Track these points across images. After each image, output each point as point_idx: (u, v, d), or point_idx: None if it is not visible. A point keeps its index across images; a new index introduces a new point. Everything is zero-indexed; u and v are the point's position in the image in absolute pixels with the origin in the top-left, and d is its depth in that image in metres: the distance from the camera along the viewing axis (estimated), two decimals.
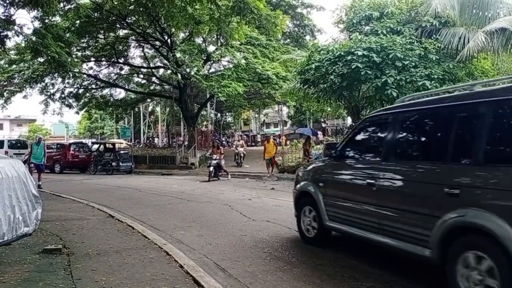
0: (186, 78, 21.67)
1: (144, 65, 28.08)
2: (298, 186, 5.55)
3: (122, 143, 31.39)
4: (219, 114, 43.11)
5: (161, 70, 28.94)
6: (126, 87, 29.36)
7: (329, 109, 28.19)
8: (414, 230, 3.62)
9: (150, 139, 40.08)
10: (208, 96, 26.18)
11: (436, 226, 3.35)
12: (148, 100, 35.61)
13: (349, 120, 33.66)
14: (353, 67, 11.80)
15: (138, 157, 24.41)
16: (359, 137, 4.86)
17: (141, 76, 29.36)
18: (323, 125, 42.14)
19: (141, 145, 34.49)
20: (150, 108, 42.65)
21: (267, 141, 17.04)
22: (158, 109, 40.87)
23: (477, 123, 3.29)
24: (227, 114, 45.02)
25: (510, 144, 3.05)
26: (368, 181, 4.16)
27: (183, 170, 20.95)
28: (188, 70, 20.87)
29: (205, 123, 34.91)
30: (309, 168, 5.58)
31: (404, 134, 4.11)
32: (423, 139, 4.03)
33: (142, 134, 39.30)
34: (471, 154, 3.24)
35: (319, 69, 12.87)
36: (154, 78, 28.72)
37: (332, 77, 12.39)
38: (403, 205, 3.77)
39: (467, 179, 3.19)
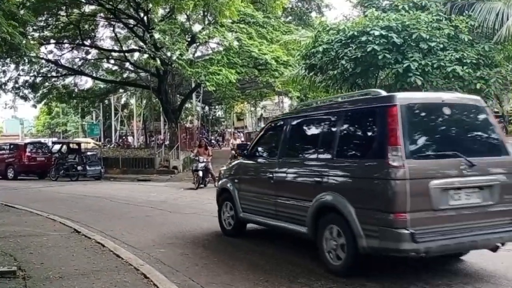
0: (166, 64, 21.64)
1: (116, 48, 28.02)
2: (219, 183, 7.72)
3: (89, 143, 31.32)
4: (207, 108, 43.08)
5: (136, 54, 28.94)
6: (94, 75, 29.30)
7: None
8: (297, 213, 5.68)
9: (124, 137, 39.98)
10: (193, 85, 26.17)
11: (309, 208, 5.42)
12: (121, 90, 35.51)
13: None
14: (368, 49, 11.80)
15: (109, 159, 24.40)
16: (264, 138, 7.12)
17: (112, 61, 29.34)
18: None
19: (113, 145, 34.40)
20: (123, 101, 42.55)
21: None
22: (132, 101, 40.80)
23: (332, 127, 5.57)
24: (216, 107, 45.01)
25: (351, 144, 5.37)
26: (269, 175, 6.29)
27: (163, 175, 20.98)
28: (168, 54, 20.84)
29: (190, 118, 34.92)
30: (228, 166, 7.78)
31: (291, 136, 6.33)
32: (303, 140, 6.35)
33: (113, 132, 39.25)
34: (330, 151, 5.43)
35: (328, 53, 12.87)
36: (127, 64, 28.68)
37: (343, 62, 12.39)
38: (290, 193, 5.94)
39: (326, 169, 5.36)
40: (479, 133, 5.39)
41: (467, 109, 5.38)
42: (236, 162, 7.55)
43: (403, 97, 5.02)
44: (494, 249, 5.20)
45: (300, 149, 6.27)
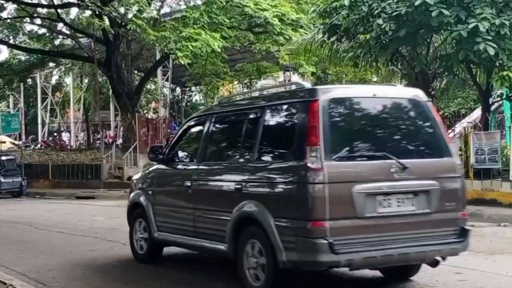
0: (118, 26, 21.56)
1: (44, 1, 27.89)
2: (130, 196, 8.65)
3: (3, 143, 31.15)
4: (178, 90, 43.00)
5: (74, 11, 28.80)
6: (11, 41, 29.16)
7: (375, 79, 28.18)
8: (216, 227, 6.60)
9: (56, 135, 39.91)
10: (158, 57, 26.06)
11: (229, 221, 6.30)
12: (51, 64, 35.45)
13: None
14: (417, 3, 11.80)
15: (34, 167, 24.37)
16: (183, 140, 8.10)
17: (38, 22, 29.18)
18: None
19: (39, 146, 34.27)
20: (54, 80, 42.48)
21: None
22: (68, 80, 40.68)
23: (253, 126, 6.54)
24: (192, 89, 44.90)
25: (272, 145, 6.38)
26: (186, 184, 7.20)
27: (114, 190, 20.88)
28: (121, 10, 20.76)
29: (153, 105, 34.84)
30: (142, 174, 8.84)
31: (212, 136, 7.37)
32: (224, 141, 7.48)
33: (40, 127, 39.15)
34: (251, 153, 6.41)
35: (357, 8, 12.86)
36: (61, 26, 28.53)
37: (379, 21, 12.38)
38: (209, 205, 6.89)
39: (247, 174, 6.35)
40: (417, 132, 6.40)
41: (404, 104, 6.38)
42: (150, 169, 8.63)
43: (326, 91, 6.03)
44: (434, 263, 6.18)
45: (221, 151, 7.45)
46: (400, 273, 6.78)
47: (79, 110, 40.69)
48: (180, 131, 8.44)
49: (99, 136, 33.19)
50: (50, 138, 38.44)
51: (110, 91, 29.97)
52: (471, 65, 13.51)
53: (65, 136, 38.41)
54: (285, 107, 6.37)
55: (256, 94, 7.73)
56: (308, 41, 16.48)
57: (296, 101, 6.10)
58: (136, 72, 29.02)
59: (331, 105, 5.85)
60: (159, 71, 29.72)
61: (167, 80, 33.00)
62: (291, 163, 5.81)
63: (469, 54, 12.05)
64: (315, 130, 5.64)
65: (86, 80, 39.17)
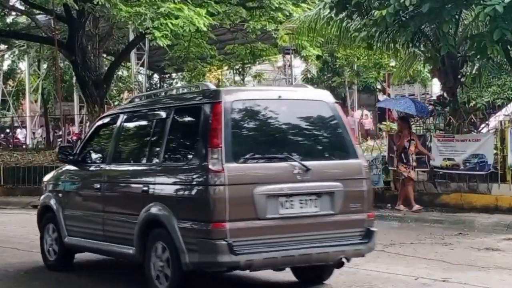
0: (83, 0, 21.51)
1: None
2: (41, 198, 10.03)
3: None
4: (156, 77, 43.05)
5: None
6: None
7: (393, 64, 28.20)
8: (125, 231, 7.64)
9: (8, 131, 39.87)
10: (132, 38, 26.07)
11: (136, 223, 7.38)
12: (2, 47, 35.47)
13: (435, 86, 33.77)
14: None
15: None
16: (94, 139, 9.46)
17: None
18: (382, 97, 42.32)
19: None
20: (6, 66, 42.44)
21: None
22: (23, 66, 40.71)
23: (160, 126, 7.76)
24: (173, 76, 44.97)
25: (178, 146, 7.70)
26: (96, 186, 8.44)
27: None
28: None
29: (126, 95, 34.78)
30: (53, 175, 10.01)
31: (123, 136, 8.65)
32: (134, 141, 8.71)
33: None
34: (158, 155, 7.60)
35: None
36: (14, 0, 28.46)
37: None
38: (118, 208, 8.04)
39: (154, 176, 7.48)
40: (323, 134, 7.70)
41: (310, 106, 7.67)
42: (61, 170, 9.86)
43: (230, 93, 7.39)
44: (338, 264, 7.44)
45: (130, 152, 8.72)
46: (313, 276, 8.05)
47: (36, 101, 40.75)
48: (91, 130, 9.76)
49: (60, 132, 33.23)
50: (2, 136, 38.42)
51: (74, 78, 29.91)
52: (508, 47, 13.50)
53: (20, 133, 38.41)
54: (190, 108, 7.57)
55: (171, 93, 9.34)
56: (312, 18, 16.49)
57: (201, 103, 7.24)
58: (105, 56, 29.01)
59: (234, 107, 7.02)
60: (132, 55, 29.74)
61: (142, 65, 33.04)
62: (194, 165, 6.94)
63: (506, 33, 12.05)
64: (217, 132, 6.77)
65: (44, 66, 39.10)
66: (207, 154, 6.68)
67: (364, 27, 14.20)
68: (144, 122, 8.53)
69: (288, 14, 20.21)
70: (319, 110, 7.60)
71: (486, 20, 12.69)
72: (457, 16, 14.08)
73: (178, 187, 7.17)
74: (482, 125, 17.71)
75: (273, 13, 20.96)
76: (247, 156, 6.92)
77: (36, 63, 39.15)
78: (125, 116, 8.66)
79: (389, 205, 15.66)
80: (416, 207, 14.72)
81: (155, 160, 7.66)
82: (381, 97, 42.80)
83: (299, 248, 6.86)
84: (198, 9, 19.84)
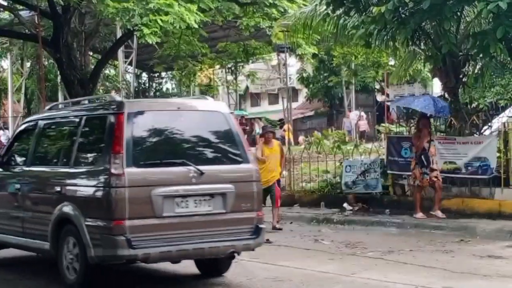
0: None
1: None
2: None
3: None
4: (145, 76, 43.02)
5: None
6: None
7: (392, 63, 28.16)
8: (42, 228, 8.91)
9: None
10: (119, 35, 26.03)
11: (50, 221, 8.65)
12: None
13: (436, 86, 33.72)
14: None
15: None
16: (18, 143, 10.82)
17: None
18: (381, 97, 42.37)
19: None
20: None
21: (265, 138, 16.57)
22: (5, 64, 40.72)
23: (71, 133, 9.34)
24: (163, 75, 45.00)
25: (85, 152, 9.10)
26: (16, 187, 9.80)
27: None
28: None
29: (113, 94, 34.79)
30: None
31: (40, 141, 10.02)
32: (49, 146, 10.05)
33: None
34: (69, 159, 8.94)
35: None
36: None
37: None
38: (35, 206, 9.38)
39: (65, 178, 8.91)
40: (218, 141, 8.96)
41: (207, 116, 9.04)
42: None
43: (132, 104, 8.91)
44: (229, 257, 8.81)
45: (46, 156, 10.08)
46: (213, 269, 9.33)
47: (19, 101, 40.61)
48: (15, 134, 11.43)
49: None
50: None
51: (59, 77, 29.81)
52: None
53: (3, 135, 38.24)
54: (98, 117, 8.86)
55: (85, 102, 10.47)
56: (308, 14, 16.47)
57: (107, 113, 8.54)
58: (91, 54, 28.93)
59: (136, 118, 8.28)
60: (120, 53, 29.77)
61: (130, 64, 33.13)
62: (100, 168, 8.14)
63: (510, 31, 12.05)
64: (119, 140, 8.00)
65: (28, 64, 39.07)
66: (110, 159, 7.91)
67: (362, 24, 14.24)
68: (59, 128, 10.01)
69: (283, 10, 20.21)
70: (215, 120, 8.94)
71: (489, 17, 12.65)
72: (459, 13, 14.03)
73: (86, 188, 8.44)
74: (485, 127, 17.58)
75: (267, 9, 20.93)
76: (146, 161, 8.23)
77: (19, 61, 39.17)
78: (44, 122, 10.11)
79: (387, 210, 15.49)
80: (419, 215, 14.47)
81: (67, 164, 8.96)
82: (379, 97, 42.87)
83: (192, 243, 8.13)
84: (188, 5, 19.77)
